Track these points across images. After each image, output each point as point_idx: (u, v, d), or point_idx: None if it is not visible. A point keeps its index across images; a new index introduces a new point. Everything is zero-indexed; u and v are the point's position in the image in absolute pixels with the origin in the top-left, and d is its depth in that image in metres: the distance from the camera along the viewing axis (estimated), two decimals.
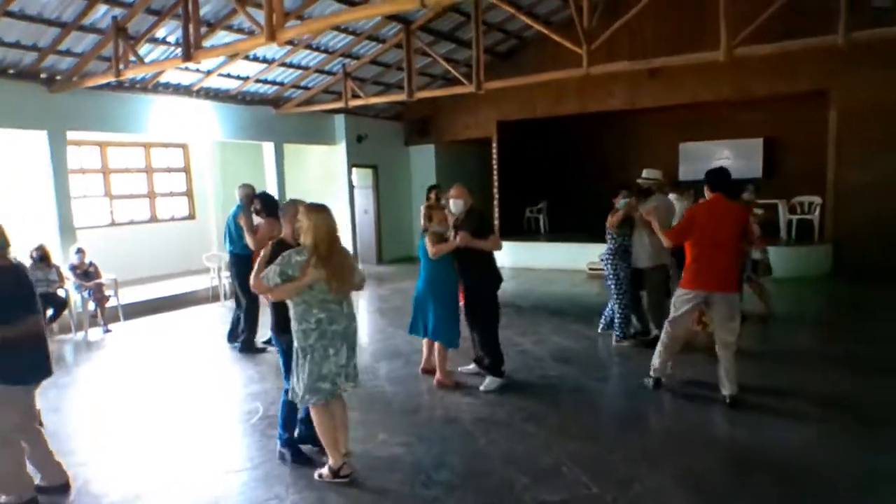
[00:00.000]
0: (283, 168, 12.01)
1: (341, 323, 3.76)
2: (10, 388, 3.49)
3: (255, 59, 9.86)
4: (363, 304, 9.64)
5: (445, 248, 5.19)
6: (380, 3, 6.40)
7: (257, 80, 10.68)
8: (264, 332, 6.60)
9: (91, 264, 8.17)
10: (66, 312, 7.90)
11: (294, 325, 3.74)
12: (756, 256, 7.19)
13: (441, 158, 14.67)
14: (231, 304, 8.15)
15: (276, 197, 11.87)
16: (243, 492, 3.81)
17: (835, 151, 10.59)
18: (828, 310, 8.84)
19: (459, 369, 5.72)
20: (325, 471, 3.85)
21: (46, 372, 3.69)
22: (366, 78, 11.68)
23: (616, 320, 6.56)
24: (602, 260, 6.72)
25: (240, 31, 8.50)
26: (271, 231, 5.57)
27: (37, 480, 3.74)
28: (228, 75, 10.18)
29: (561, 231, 14.03)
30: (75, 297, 8.10)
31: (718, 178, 4.94)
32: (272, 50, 9.76)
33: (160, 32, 8.12)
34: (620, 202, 6.31)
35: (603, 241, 6.62)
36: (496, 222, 13.61)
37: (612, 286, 6.49)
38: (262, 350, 6.90)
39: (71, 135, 9.43)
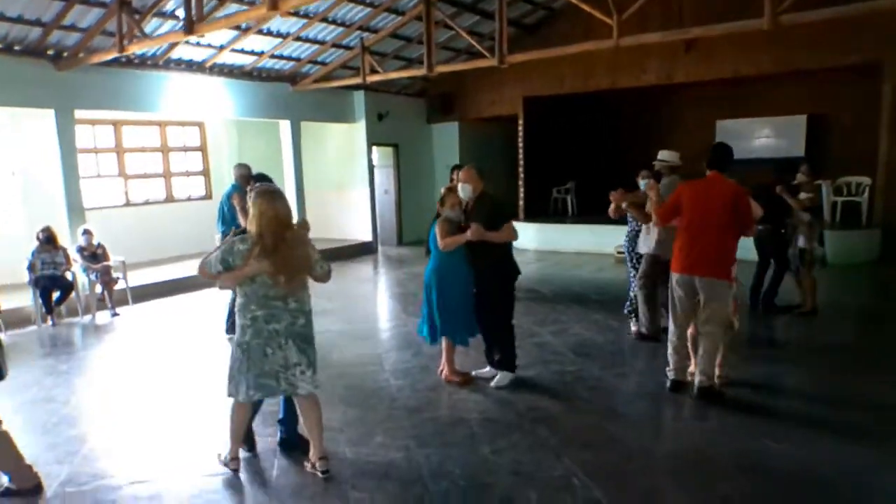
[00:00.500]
0: (300, 147, 11.70)
1: (282, 321, 3.41)
2: None
3: (269, 33, 9.50)
4: (379, 287, 9.30)
5: (455, 242, 4.73)
6: None
7: (272, 56, 10.32)
8: None
9: (99, 246, 7.97)
10: (73, 295, 7.73)
11: (237, 319, 3.46)
12: (801, 245, 6.59)
13: (465, 137, 14.15)
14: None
15: (294, 177, 11.66)
16: (234, 484, 3.60)
17: (889, 128, 9.79)
18: (879, 300, 8.15)
19: (474, 373, 5.19)
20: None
21: None
22: (386, 53, 11.24)
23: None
24: (623, 245, 6.38)
25: (250, 3, 8.13)
26: None
27: (5, 483, 3.50)
28: (242, 50, 9.84)
29: (589, 213, 13.40)
30: (83, 280, 7.92)
31: (715, 154, 4.56)
32: (287, 23, 9.39)
33: (169, 5, 7.83)
34: (642, 182, 5.92)
35: None
36: (521, 203, 13.14)
37: (631, 271, 6.14)
38: None
39: (84, 113, 9.25)
